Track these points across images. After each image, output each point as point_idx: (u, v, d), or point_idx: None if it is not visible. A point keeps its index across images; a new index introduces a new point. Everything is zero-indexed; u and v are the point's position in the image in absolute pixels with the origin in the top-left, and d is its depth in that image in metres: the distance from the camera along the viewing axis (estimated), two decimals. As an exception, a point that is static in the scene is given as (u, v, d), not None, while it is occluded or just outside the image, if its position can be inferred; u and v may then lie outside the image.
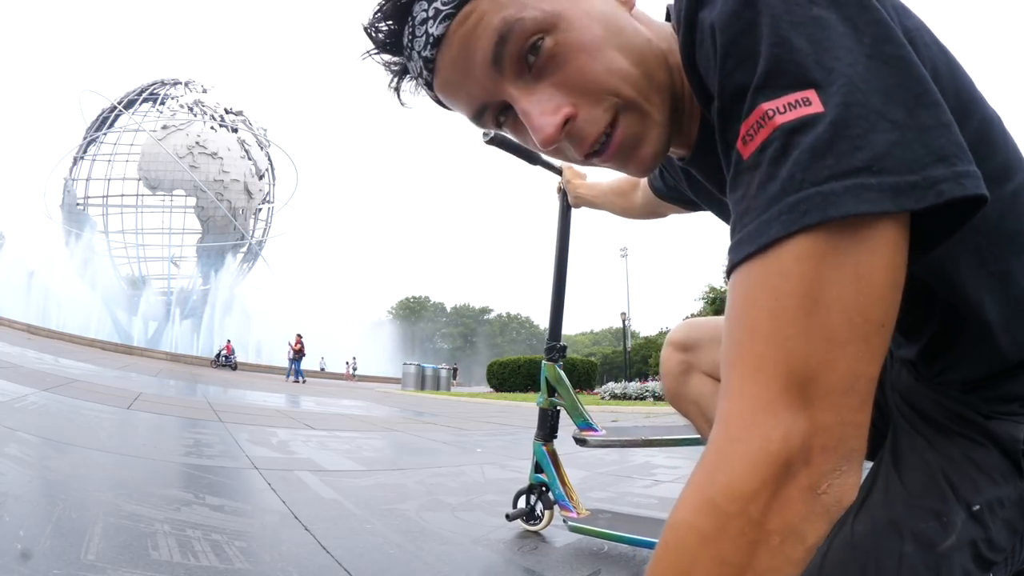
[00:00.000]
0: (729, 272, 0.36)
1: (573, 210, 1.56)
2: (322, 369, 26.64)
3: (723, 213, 0.66)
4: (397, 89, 0.52)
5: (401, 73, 0.52)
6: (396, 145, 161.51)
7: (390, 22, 0.48)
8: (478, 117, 0.50)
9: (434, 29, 0.45)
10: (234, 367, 19.49)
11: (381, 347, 45.17)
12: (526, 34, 0.43)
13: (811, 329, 0.31)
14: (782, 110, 0.32)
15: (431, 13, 0.45)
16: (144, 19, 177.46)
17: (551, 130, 0.44)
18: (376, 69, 0.52)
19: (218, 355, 20.34)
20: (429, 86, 0.50)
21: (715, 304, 24.55)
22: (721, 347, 0.35)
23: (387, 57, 0.51)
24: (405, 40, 0.48)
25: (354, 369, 27.36)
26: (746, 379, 0.33)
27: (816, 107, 0.32)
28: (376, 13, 0.48)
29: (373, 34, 0.49)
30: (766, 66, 0.33)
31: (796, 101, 0.32)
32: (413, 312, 68.08)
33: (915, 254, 0.35)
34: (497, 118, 0.50)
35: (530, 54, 0.44)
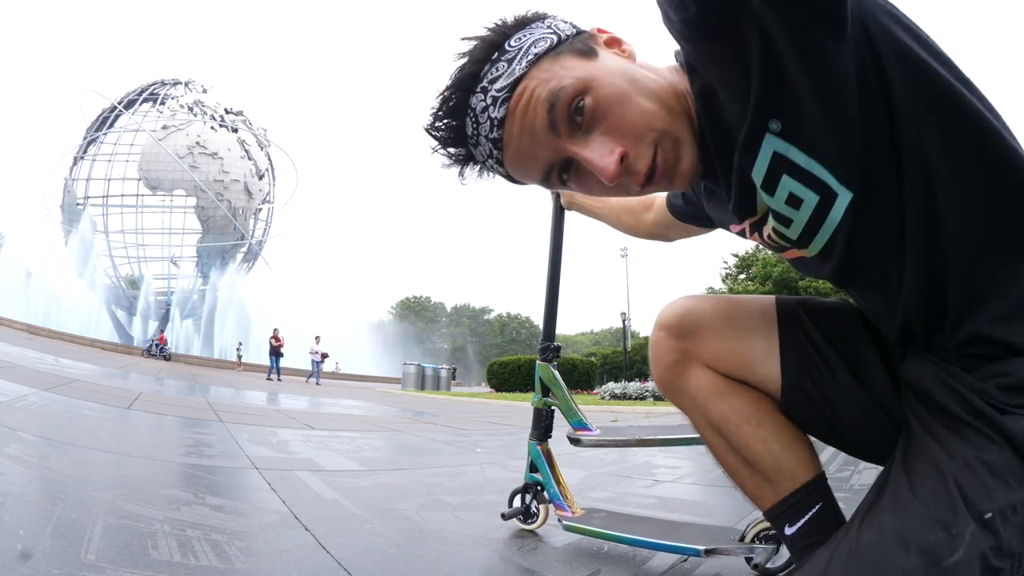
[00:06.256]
0: None
1: (567, 212, 1.56)
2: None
3: (728, 222, 0.71)
4: (461, 174, 0.62)
5: (466, 160, 0.60)
6: (396, 145, 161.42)
7: (450, 120, 0.56)
8: (546, 179, 0.59)
9: (496, 113, 0.54)
10: (167, 358, 18.99)
11: (381, 347, 45.13)
12: (568, 98, 0.53)
13: None
14: None
15: (489, 101, 0.54)
16: (144, 19, 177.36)
17: (613, 168, 0.53)
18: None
19: (150, 345, 19.68)
20: (500, 163, 0.59)
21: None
22: None
23: (452, 149, 0.59)
24: (469, 131, 0.57)
25: (241, 357, 22.27)
26: None
27: None
28: (435, 114, 0.57)
29: (435, 133, 0.58)
30: None
31: None
32: (413, 312, 68.01)
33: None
34: (561, 176, 0.59)
35: (576, 115, 0.53)
